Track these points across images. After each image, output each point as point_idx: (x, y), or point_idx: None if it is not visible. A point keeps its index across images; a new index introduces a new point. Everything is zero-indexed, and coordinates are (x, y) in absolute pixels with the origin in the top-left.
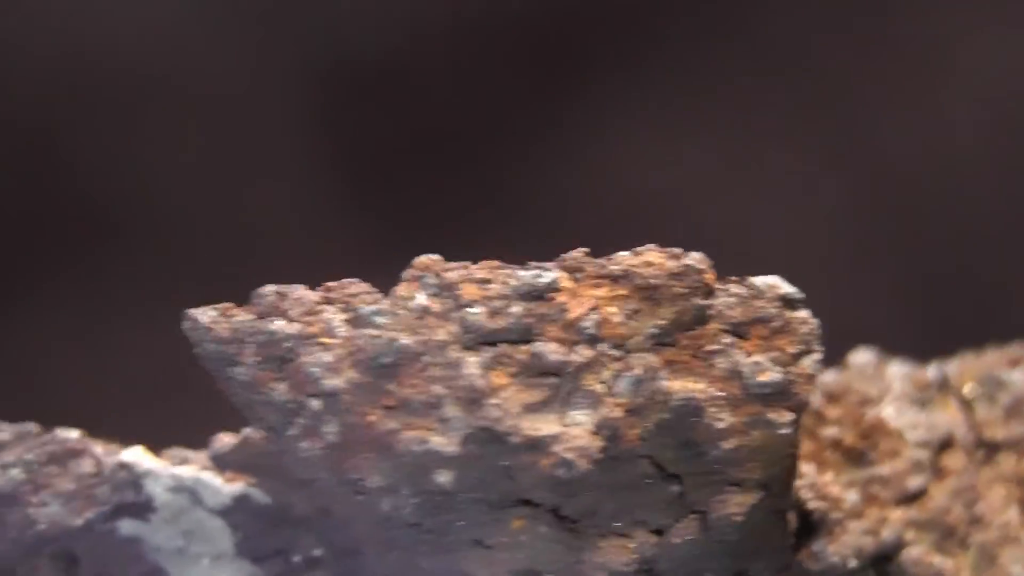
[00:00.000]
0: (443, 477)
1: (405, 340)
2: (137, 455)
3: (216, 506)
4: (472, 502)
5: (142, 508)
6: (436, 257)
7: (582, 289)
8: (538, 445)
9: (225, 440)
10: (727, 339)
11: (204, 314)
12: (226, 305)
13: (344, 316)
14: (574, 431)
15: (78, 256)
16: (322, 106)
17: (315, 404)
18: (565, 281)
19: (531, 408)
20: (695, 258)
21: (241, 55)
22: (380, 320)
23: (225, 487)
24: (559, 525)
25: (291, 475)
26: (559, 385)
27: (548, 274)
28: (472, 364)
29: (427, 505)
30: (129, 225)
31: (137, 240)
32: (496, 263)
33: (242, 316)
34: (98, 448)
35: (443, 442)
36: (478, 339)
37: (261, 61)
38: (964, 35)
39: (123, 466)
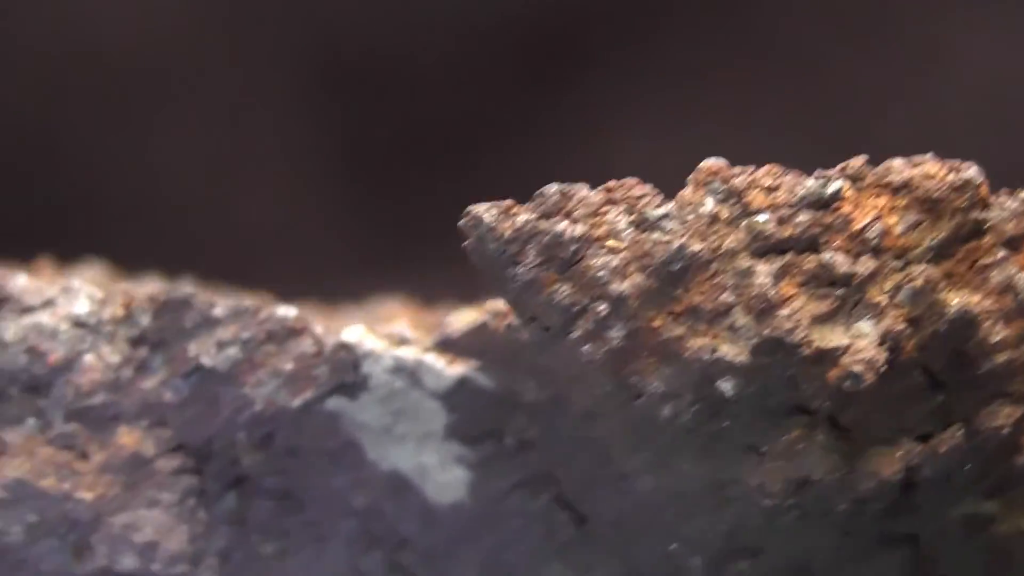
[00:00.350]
0: (727, 384)
1: (695, 247)
2: (359, 334)
3: (435, 388)
4: (750, 409)
5: (356, 387)
6: (722, 161)
7: (864, 199)
8: (827, 357)
9: (456, 325)
10: (1001, 252)
11: (486, 212)
12: (508, 203)
13: (629, 218)
14: (861, 343)
15: (73, 254)
16: (319, 102)
17: (601, 307)
18: (848, 191)
19: (819, 319)
20: (973, 171)
21: (238, 52)
22: (668, 225)
23: (448, 369)
24: (834, 434)
25: (531, 363)
26: (845, 296)
27: (833, 183)
28: (763, 273)
29: (705, 411)
30: (124, 223)
31: (132, 238)
32: (778, 168)
33: (525, 215)
34: (318, 327)
35: (732, 351)
36: (767, 247)
37: (258, 58)
38: (964, 35)
39: (343, 346)
